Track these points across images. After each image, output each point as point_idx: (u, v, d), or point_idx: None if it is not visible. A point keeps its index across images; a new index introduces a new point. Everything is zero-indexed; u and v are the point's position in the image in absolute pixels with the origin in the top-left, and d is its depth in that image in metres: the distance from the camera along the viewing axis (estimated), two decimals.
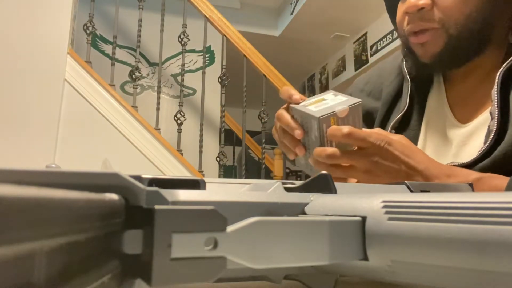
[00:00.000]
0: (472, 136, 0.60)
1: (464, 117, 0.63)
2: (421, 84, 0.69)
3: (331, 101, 0.56)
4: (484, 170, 0.54)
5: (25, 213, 0.08)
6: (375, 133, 0.51)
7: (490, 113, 0.55)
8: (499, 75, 0.55)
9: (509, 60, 0.56)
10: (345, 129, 0.50)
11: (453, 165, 0.56)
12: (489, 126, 0.55)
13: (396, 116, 0.68)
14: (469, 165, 0.55)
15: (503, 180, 0.49)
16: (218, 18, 2.49)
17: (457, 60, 0.62)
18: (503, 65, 0.56)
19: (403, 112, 0.67)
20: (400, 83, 0.72)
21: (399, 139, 0.52)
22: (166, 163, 2.25)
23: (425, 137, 0.66)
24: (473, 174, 0.51)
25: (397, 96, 0.71)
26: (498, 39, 0.61)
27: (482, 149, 0.55)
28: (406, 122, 0.68)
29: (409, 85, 0.68)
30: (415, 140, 0.67)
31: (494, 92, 0.55)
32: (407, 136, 0.66)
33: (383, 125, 0.71)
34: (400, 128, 0.68)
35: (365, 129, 0.51)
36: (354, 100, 0.55)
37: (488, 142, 0.54)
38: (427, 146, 0.66)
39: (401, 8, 0.64)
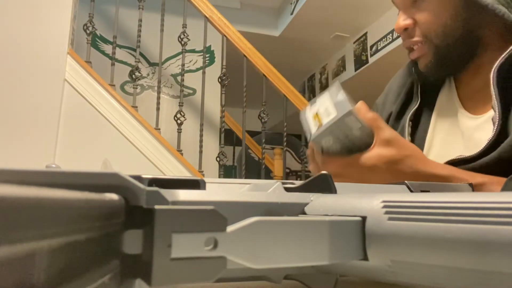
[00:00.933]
0: (481, 130, 0.61)
1: (475, 112, 0.65)
2: (432, 83, 0.73)
3: (326, 108, 0.55)
4: (490, 163, 0.55)
5: (25, 213, 0.08)
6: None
7: (492, 107, 0.57)
8: (494, 70, 0.57)
9: (503, 55, 0.57)
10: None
11: (460, 158, 0.58)
12: (492, 119, 0.57)
13: (410, 111, 0.72)
14: (476, 158, 0.57)
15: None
16: (218, 18, 2.49)
17: (448, 67, 0.67)
18: (497, 61, 0.57)
19: (416, 107, 0.72)
20: (410, 86, 0.76)
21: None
22: (166, 163, 2.25)
23: (434, 130, 0.69)
24: (475, 178, 0.52)
25: (410, 92, 0.75)
26: (496, 38, 0.63)
27: (488, 142, 0.56)
28: (419, 117, 0.73)
29: (418, 84, 0.73)
30: (424, 133, 0.70)
31: (492, 87, 0.57)
32: (418, 131, 0.70)
33: (398, 117, 0.74)
34: (415, 122, 0.72)
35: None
36: (338, 95, 0.54)
37: (492, 135, 0.56)
38: (434, 141, 0.68)
39: None
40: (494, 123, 0.56)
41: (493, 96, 0.56)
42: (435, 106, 0.71)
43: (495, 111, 0.56)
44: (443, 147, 0.66)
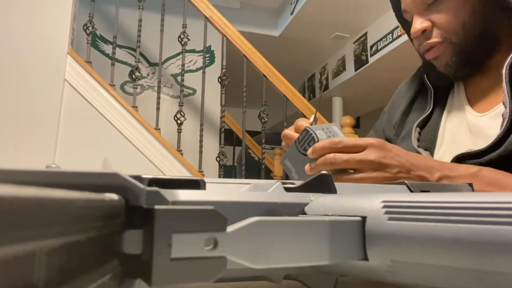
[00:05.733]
0: (489, 126, 0.63)
1: (481, 110, 0.67)
2: (442, 89, 0.75)
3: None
4: (498, 158, 0.56)
5: (25, 213, 0.08)
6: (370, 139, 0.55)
7: (503, 102, 0.59)
8: (506, 66, 0.59)
9: None
10: (339, 143, 0.54)
11: (469, 153, 0.60)
12: (502, 115, 0.58)
13: (420, 117, 0.74)
14: (484, 152, 0.58)
15: (500, 174, 0.52)
16: (218, 18, 2.49)
17: (469, 64, 0.67)
18: (510, 57, 0.59)
19: (426, 114, 0.73)
20: (419, 87, 0.78)
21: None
22: (166, 163, 2.25)
23: (444, 129, 0.71)
24: (473, 168, 0.54)
25: (416, 96, 0.77)
26: (509, 40, 0.64)
27: (497, 136, 0.58)
28: (427, 120, 0.74)
29: (432, 92, 0.74)
30: (435, 131, 0.71)
31: (504, 83, 0.58)
32: (427, 131, 0.72)
33: (402, 121, 0.77)
34: (422, 126, 0.74)
35: (353, 138, 0.56)
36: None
37: (502, 129, 0.57)
38: (445, 137, 0.70)
39: None
40: (504, 119, 0.57)
41: (505, 92, 0.58)
42: (445, 108, 0.73)
43: (506, 107, 0.58)
44: (452, 144, 0.68)
